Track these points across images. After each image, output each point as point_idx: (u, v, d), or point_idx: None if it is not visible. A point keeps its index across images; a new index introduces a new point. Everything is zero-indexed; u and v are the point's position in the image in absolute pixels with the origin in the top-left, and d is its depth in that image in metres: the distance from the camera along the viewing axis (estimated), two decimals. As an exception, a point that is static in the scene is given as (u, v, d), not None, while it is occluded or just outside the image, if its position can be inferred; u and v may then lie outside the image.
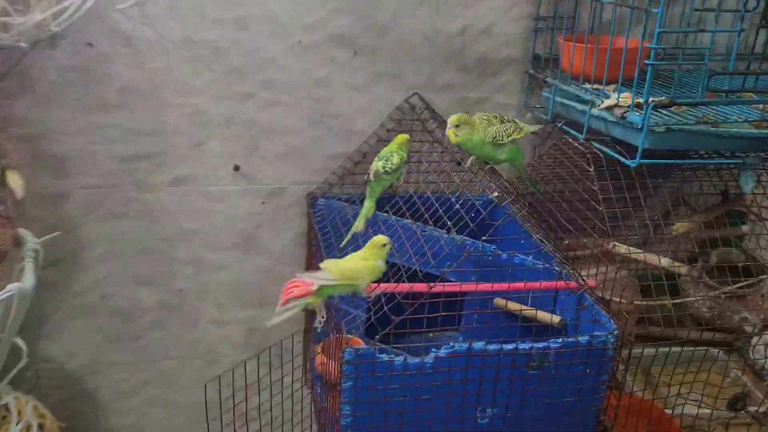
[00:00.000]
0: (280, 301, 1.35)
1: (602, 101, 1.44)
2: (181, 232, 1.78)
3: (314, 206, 1.74)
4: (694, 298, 1.62)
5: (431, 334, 1.64)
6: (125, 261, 1.78)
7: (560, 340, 1.27)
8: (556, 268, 1.50)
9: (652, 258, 1.58)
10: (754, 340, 1.73)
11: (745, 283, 1.60)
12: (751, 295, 1.86)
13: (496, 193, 1.52)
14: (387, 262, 1.29)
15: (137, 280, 1.81)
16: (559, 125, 1.63)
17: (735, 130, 1.31)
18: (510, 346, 1.24)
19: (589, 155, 1.43)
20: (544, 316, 1.48)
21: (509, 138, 1.36)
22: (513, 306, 1.51)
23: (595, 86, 1.54)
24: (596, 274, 1.52)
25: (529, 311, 1.48)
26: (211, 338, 1.91)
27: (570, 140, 1.55)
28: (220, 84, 1.65)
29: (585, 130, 1.50)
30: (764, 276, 1.71)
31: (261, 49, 1.64)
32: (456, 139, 1.38)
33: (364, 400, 1.18)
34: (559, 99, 1.63)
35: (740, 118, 1.33)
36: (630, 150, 1.48)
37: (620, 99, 1.39)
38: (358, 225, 1.48)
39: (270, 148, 1.74)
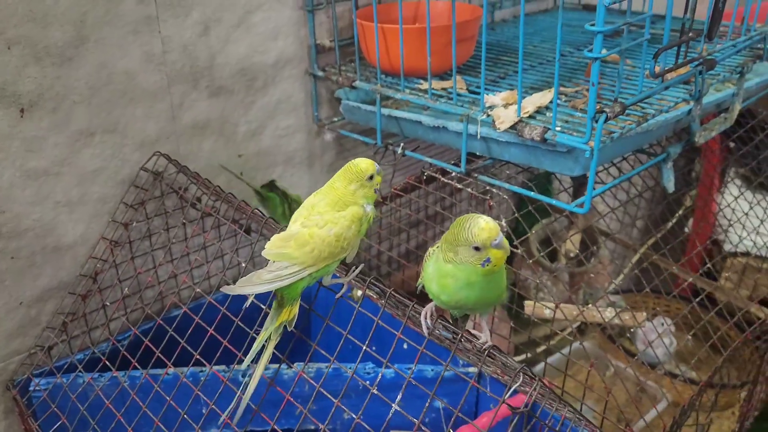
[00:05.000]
0: None
1: (485, 114, 0.93)
2: None
3: (29, 395, 0.94)
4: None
5: None
6: None
7: None
8: (471, 371, 1.01)
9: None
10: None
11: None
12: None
13: (359, 292, 0.95)
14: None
15: None
16: (400, 151, 1.08)
17: (673, 114, 0.93)
18: None
19: (490, 200, 0.92)
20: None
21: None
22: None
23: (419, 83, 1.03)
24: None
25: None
26: None
27: (435, 174, 1.02)
28: None
29: (464, 159, 0.98)
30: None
31: None
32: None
33: None
34: (387, 112, 1.07)
35: (675, 100, 0.95)
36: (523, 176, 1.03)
37: (520, 109, 0.90)
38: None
39: None
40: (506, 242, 0.65)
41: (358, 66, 1.11)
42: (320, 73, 1.16)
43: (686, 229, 1.86)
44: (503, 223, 0.91)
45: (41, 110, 0.89)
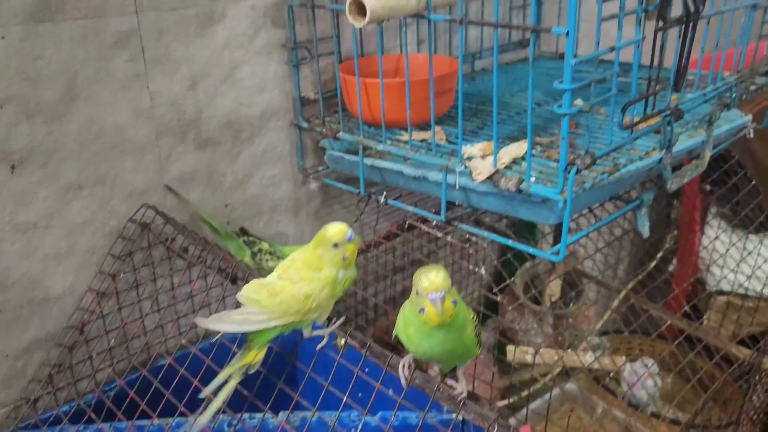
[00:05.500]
0: None
1: (463, 165, 0.96)
2: None
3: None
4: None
5: None
6: None
7: None
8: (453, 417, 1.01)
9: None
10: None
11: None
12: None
13: (343, 340, 0.96)
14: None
15: None
16: (383, 200, 1.11)
17: (644, 163, 0.97)
18: None
19: (469, 248, 0.95)
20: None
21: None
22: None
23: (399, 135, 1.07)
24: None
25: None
26: None
27: (416, 224, 1.05)
28: None
29: (444, 208, 1.01)
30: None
31: None
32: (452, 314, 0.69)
33: None
34: (370, 162, 1.10)
35: (646, 149, 0.99)
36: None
37: (496, 160, 0.93)
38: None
39: None
40: (447, 306, 0.65)
41: (342, 117, 1.15)
42: (305, 125, 1.19)
43: (671, 268, 1.90)
44: (482, 271, 0.94)
45: (32, 165, 0.91)
